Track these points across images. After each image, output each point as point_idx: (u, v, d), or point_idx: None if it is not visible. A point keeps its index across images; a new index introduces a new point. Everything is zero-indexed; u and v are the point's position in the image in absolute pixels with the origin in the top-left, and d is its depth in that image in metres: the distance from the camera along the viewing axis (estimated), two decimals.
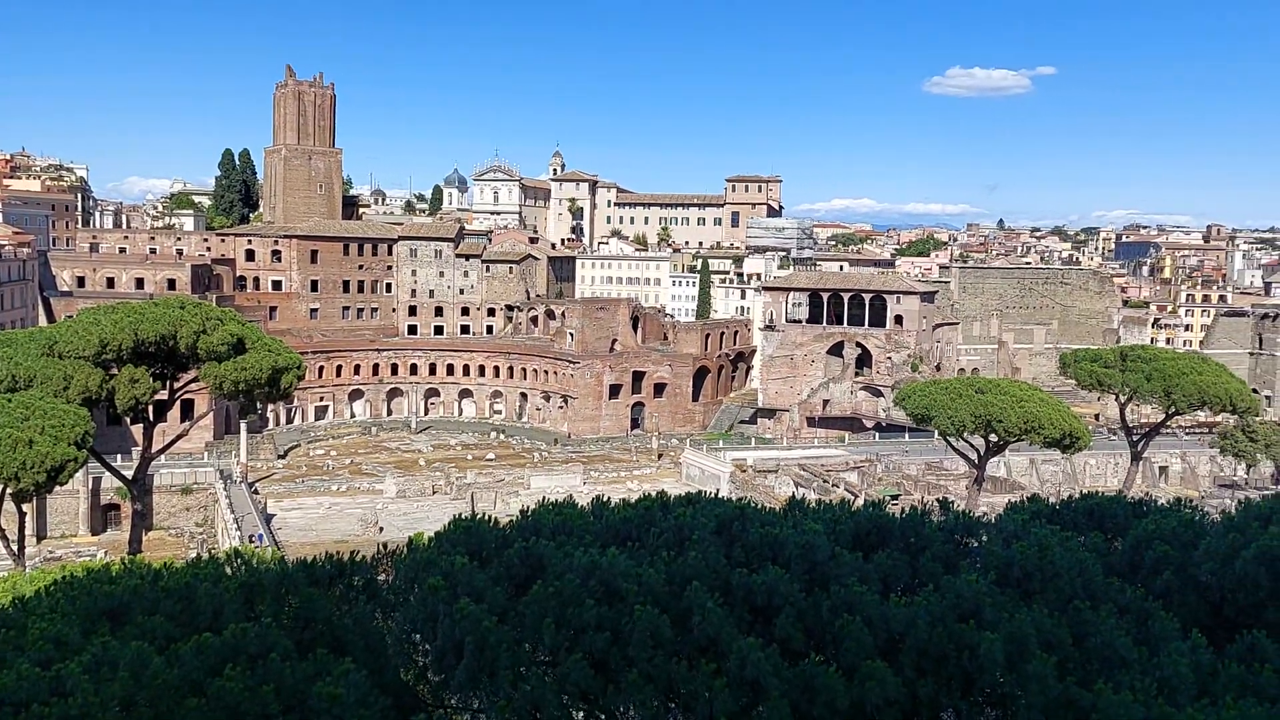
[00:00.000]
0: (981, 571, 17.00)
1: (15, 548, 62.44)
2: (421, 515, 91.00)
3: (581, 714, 14.67)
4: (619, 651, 14.41)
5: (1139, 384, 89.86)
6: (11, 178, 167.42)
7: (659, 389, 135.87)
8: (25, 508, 64.82)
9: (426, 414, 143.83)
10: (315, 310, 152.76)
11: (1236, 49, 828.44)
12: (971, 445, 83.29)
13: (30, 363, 62.11)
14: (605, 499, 22.17)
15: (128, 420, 73.52)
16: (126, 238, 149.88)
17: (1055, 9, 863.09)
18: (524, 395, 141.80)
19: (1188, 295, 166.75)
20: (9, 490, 54.07)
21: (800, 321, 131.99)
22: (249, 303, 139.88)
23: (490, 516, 20.60)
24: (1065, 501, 23.99)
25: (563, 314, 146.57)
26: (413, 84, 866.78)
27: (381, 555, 20.63)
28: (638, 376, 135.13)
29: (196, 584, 17.62)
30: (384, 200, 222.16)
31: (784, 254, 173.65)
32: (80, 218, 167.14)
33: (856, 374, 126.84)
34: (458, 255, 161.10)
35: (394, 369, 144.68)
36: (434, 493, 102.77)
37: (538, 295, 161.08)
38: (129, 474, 75.03)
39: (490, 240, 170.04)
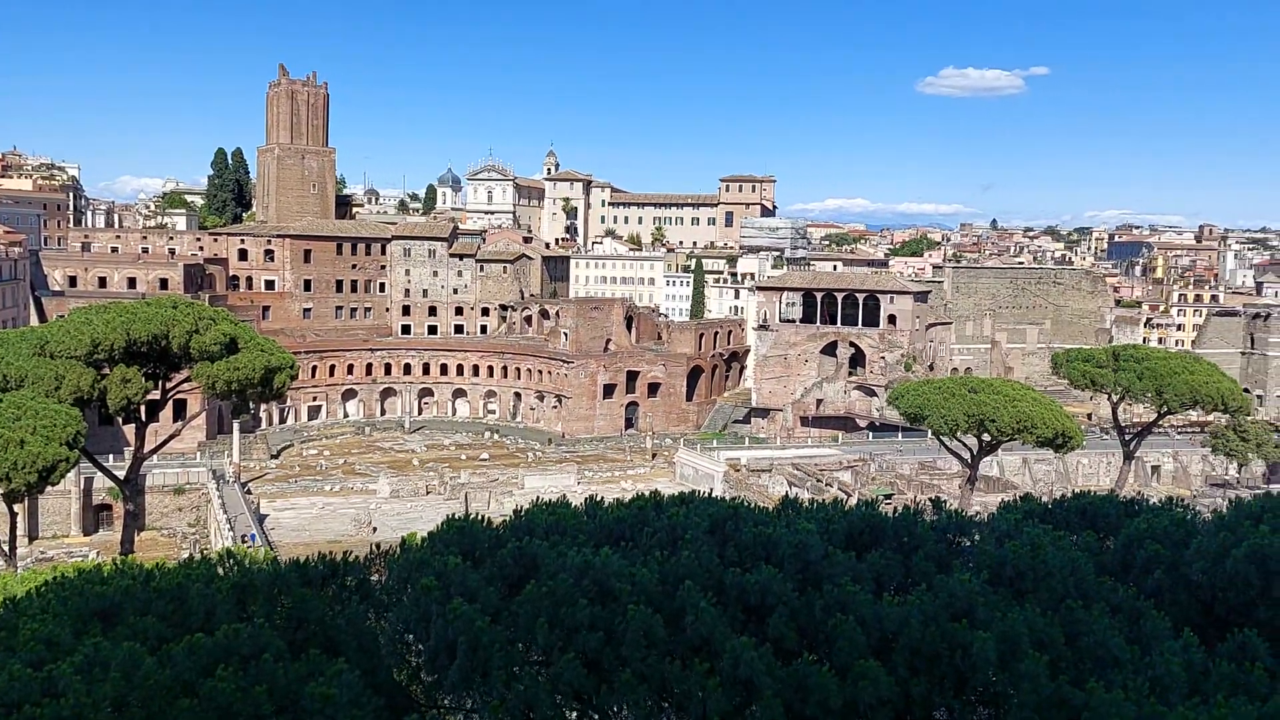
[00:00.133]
0: (974, 571, 17.05)
1: (6, 548, 62.20)
2: (415, 515, 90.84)
3: (575, 714, 14.67)
4: (612, 651, 14.41)
5: (1131, 383, 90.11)
6: (3, 177, 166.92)
7: (653, 389, 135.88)
8: (16, 508, 64.62)
9: (420, 414, 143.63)
10: (308, 310, 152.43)
11: (1229, 50, 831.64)
12: (965, 445, 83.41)
13: (22, 362, 61.90)
14: (599, 499, 22.18)
15: (120, 420, 73.39)
16: (119, 237, 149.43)
17: (1049, 9, 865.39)
18: (518, 395, 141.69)
19: (1180, 295, 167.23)
20: (0, 491, 53.87)
21: (794, 321, 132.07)
22: (242, 302, 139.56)
23: (484, 516, 20.59)
24: (1058, 501, 24.06)
25: (557, 314, 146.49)
26: (407, 83, 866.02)
27: (374, 555, 20.63)
28: (632, 376, 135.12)
29: (189, 584, 17.59)
30: (378, 200, 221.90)
31: (778, 254, 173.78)
32: (72, 217, 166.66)
33: (850, 374, 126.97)
34: (451, 255, 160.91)
35: (387, 369, 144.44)
36: (428, 493, 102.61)
37: (532, 295, 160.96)
38: (121, 474, 74.80)
39: (484, 240, 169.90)
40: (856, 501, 22.95)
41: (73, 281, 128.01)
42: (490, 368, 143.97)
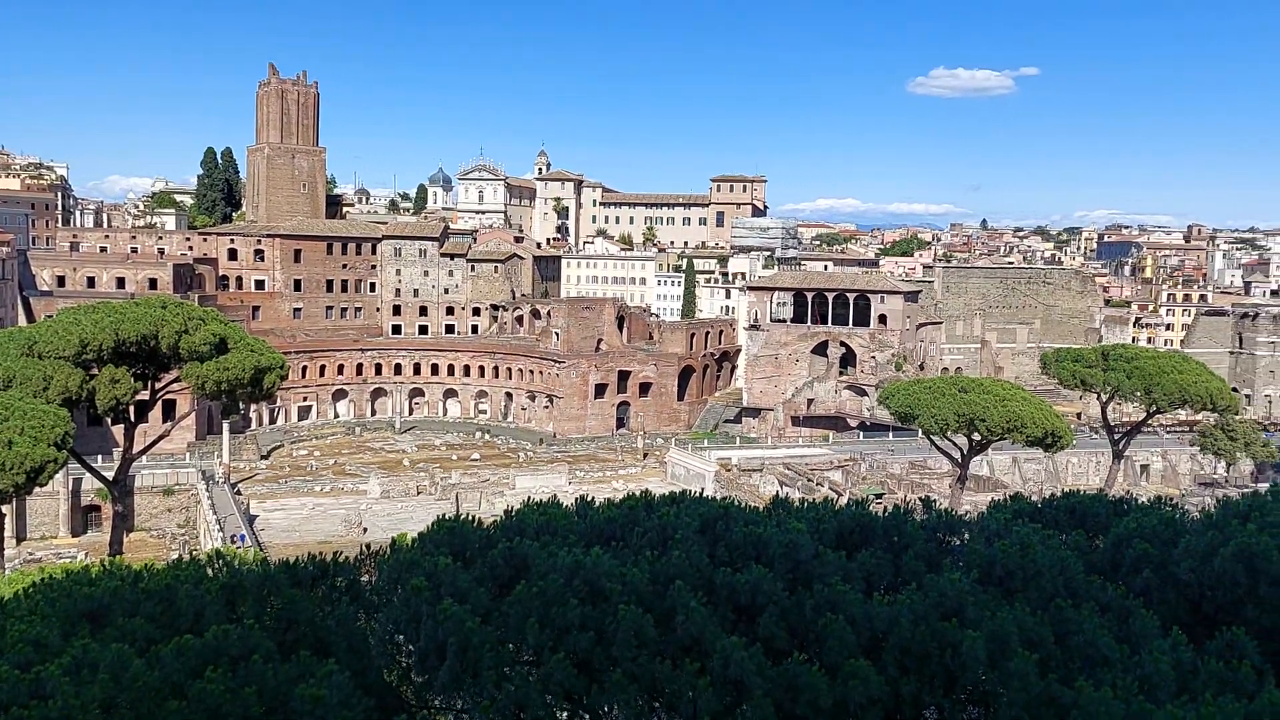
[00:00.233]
0: (964, 570, 17.08)
1: None
2: (406, 516, 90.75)
3: (565, 714, 14.66)
4: (603, 651, 14.41)
5: (1120, 383, 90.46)
6: None
7: (644, 388, 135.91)
8: (4, 509, 64.30)
9: (411, 414, 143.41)
10: (298, 310, 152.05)
11: (1219, 51, 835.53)
12: (955, 444, 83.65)
13: (9, 363, 61.59)
14: (590, 499, 22.17)
15: (108, 421, 73.04)
16: (107, 237, 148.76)
17: (1039, 10, 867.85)
18: (509, 395, 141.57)
19: (1169, 295, 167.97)
20: None
21: (785, 321, 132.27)
22: (232, 302, 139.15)
23: (474, 517, 20.56)
24: (1047, 500, 24.13)
25: (548, 313, 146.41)
26: (397, 83, 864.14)
27: (365, 556, 20.57)
28: (623, 376, 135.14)
29: (177, 585, 17.52)
30: (368, 199, 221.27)
31: (769, 254, 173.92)
32: (60, 216, 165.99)
33: (841, 373, 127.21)
34: (442, 254, 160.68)
35: (378, 369, 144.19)
36: (418, 493, 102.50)
37: (523, 295, 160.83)
38: (110, 475, 74.47)
39: (475, 239, 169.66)
40: (847, 501, 23.05)
41: (61, 281, 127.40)
42: (481, 368, 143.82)
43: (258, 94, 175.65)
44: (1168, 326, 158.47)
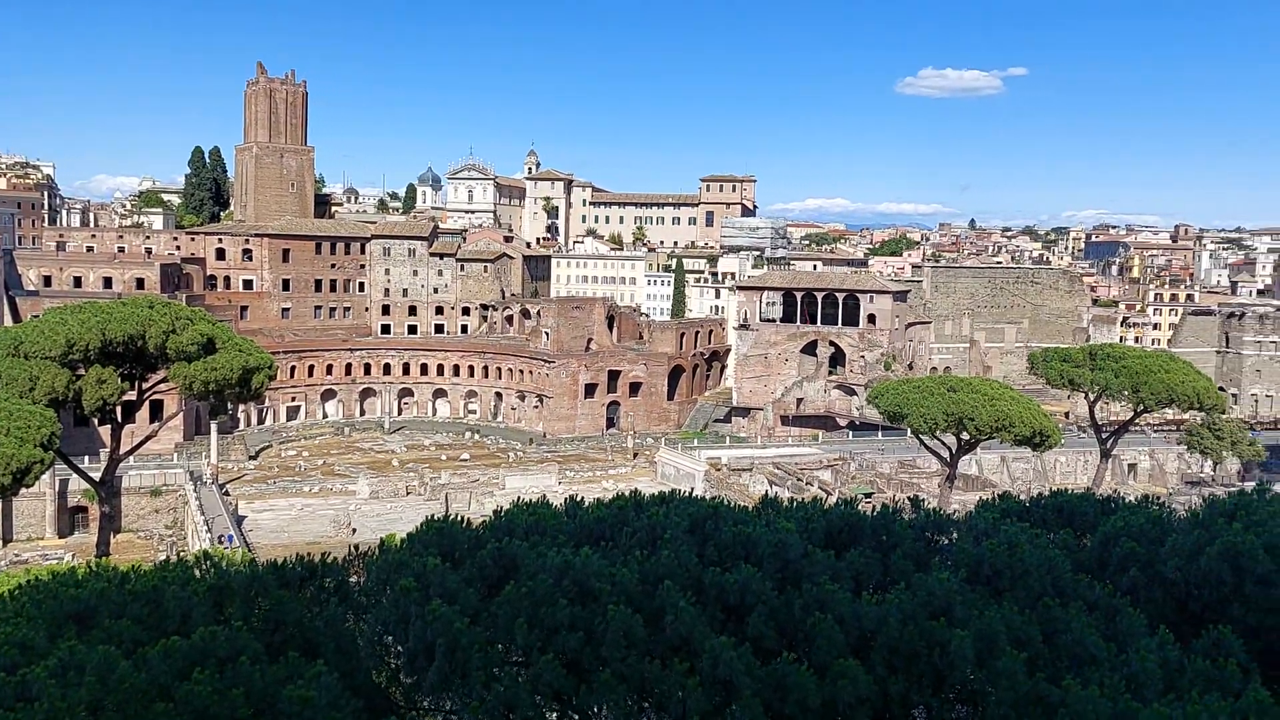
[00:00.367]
0: (952, 569, 17.14)
1: None
2: (395, 516, 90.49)
3: (555, 714, 14.65)
4: (592, 651, 14.41)
5: (1108, 382, 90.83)
6: None
7: (634, 388, 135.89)
8: None
9: (400, 414, 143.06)
10: (287, 310, 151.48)
11: (1205, 52, 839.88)
12: (944, 443, 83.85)
13: None
14: (580, 499, 22.16)
15: (95, 421, 72.67)
16: (94, 236, 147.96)
17: (1027, 11, 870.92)
18: (499, 395, 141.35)
19: (1156, 294, 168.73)
20: None
21: (774, 321, 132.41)
22: (219, 302, 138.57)
23: (464, 517, 20.54)
24: (1035, 499, 24.23)
25: (538, 313, 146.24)
26: (386, 82, 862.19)
27: (353, 557, 20.53)
28: (613, 376, 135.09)
29: (164, 587, 17.45)
30: (357, 199, 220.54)
31: (758, 253, 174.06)
32: (46, 216, 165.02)
33: (830, 373, 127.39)
34: (432, 254, 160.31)
35: (367, 369, 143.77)
36: (407, 493, 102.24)
37: (513, 294, 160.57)
38: (97, 476, 74.14)
39: (465, 239, 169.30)
40: (836, 500, 23.05)
41: (47, 281, 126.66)
42: (471, 367, 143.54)
43: (246, 93, 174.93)
44: (1155, 326, 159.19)
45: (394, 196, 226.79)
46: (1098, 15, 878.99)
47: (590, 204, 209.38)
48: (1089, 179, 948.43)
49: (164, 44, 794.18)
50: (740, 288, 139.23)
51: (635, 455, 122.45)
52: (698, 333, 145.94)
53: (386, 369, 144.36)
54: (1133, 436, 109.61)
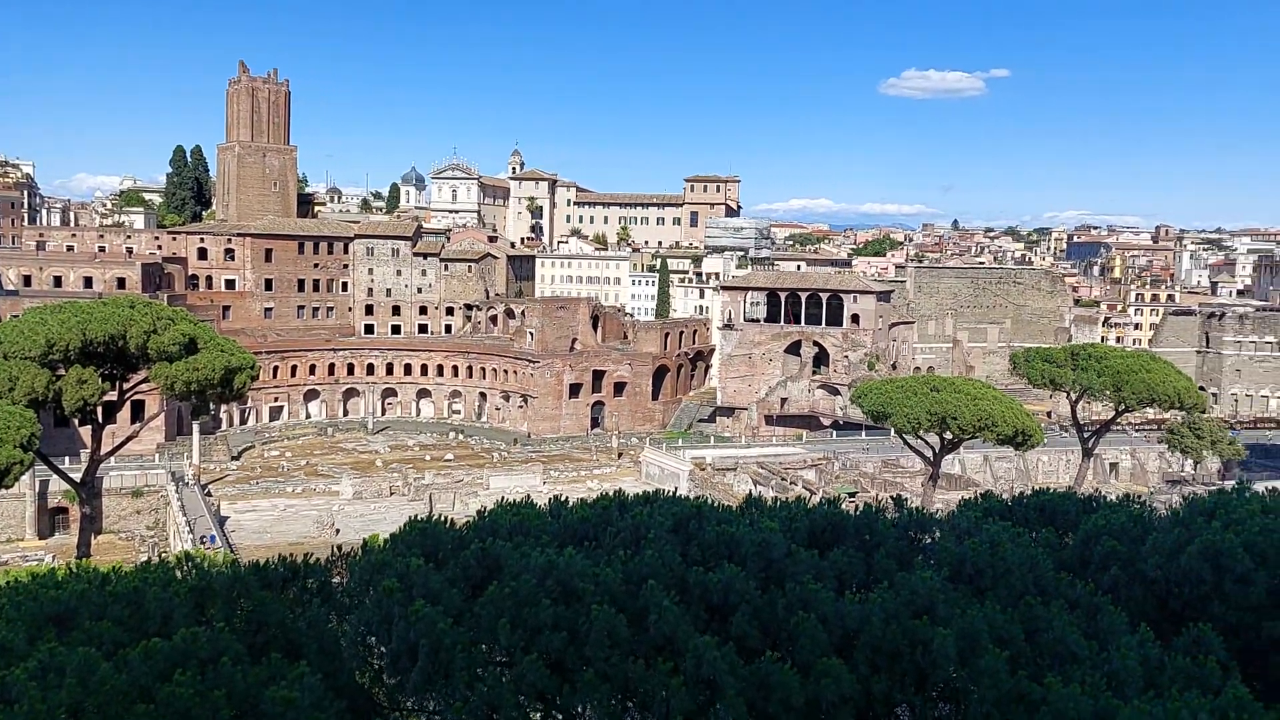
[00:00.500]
0: (935, 568, 17.21)
1: None
2: (378, 517, 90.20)
3: (538, 715, 14.64)
4: (576, 651, 14.39)
5: (1090, 382, 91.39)
6: None
7: (619, 388, 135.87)
8: None
9: (384, 414, 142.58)
10: (270, 309, 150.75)
11: (1186, 55, 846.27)
12: (927, 443, 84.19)
13: None
14: (564, 499, 22.14)
15: (76, 422, 72.15)
16: (74, 236, 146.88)
17: (1009, 12, 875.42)
18: (483, 395, 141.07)
19: (1137, 295, 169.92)
20: None
21: (758, 321, 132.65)
22: (202, 302, 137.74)
23: (447, 517, 20.49)
24: (1017, 498, 24.35)
25: (522, 313, 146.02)
26: (370, 81, 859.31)
27: (336, 557, 20.45)
28: (598, 375, 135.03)
29: (145, 588, 17.33)
30: (340, 198, 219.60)
31: (742, 254, 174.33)
32: (26, 215, 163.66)
33: (814, 372, 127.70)
34: (415, 254, 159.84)
35: (350, 369, 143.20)
36: (391, 494, 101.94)
37: (497, 294, 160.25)
38: (77, 477, 73.58)
39: (449, 239, 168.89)
40: (820, 500, 23.11)
41: (27, 281, 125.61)
42: (455, 368, 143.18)
43: (228, 92, 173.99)
44: (1136, 326, 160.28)
45: (377, 196, 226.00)
46: (1080, 18, 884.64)
47: (575, 204, 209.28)
48: (1071, 180, 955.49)
49: (145, 42, 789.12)
50: (724, 288, 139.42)
51: (620, 455, 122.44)
52: (682, 333, 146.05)
53: (370, 369, 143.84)
54: (1114, 436, 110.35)
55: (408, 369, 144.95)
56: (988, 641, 13.89)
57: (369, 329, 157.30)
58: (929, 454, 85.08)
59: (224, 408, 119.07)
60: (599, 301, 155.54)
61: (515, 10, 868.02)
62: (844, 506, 21.55)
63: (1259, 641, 17.77)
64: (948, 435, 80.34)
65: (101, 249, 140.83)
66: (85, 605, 16.80)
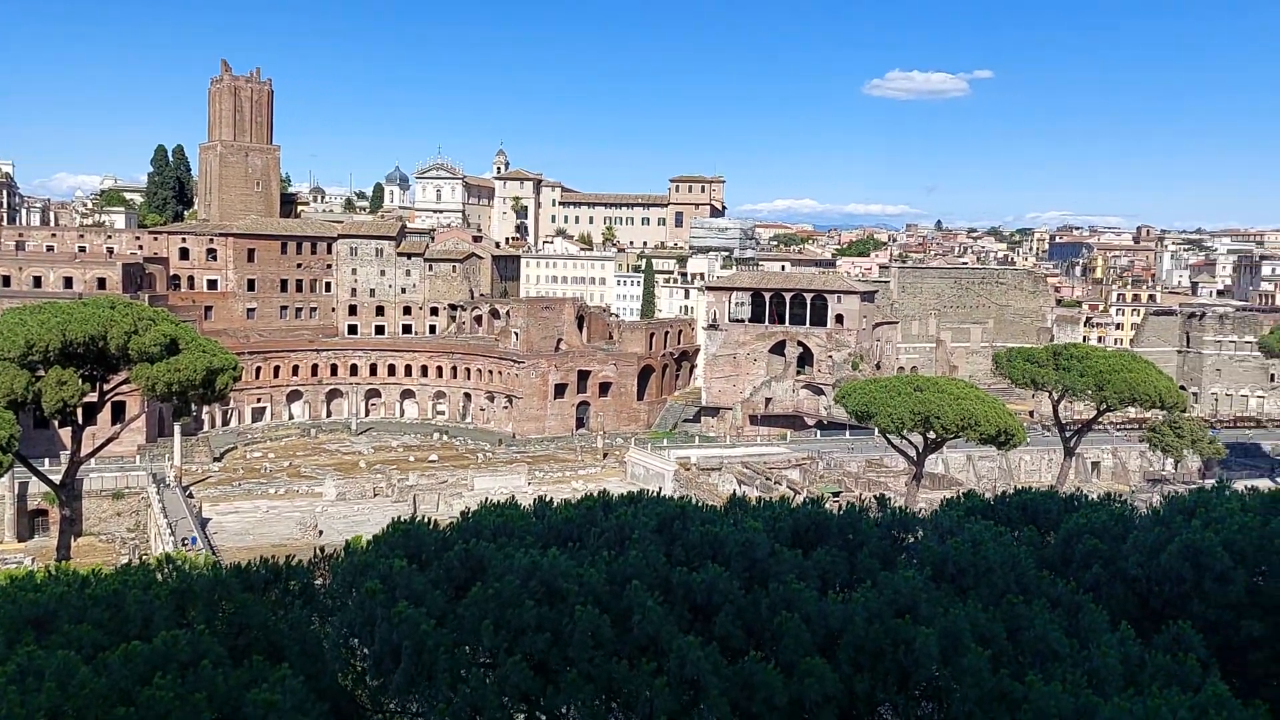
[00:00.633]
0: (917, 567, 17.27)
1: None
2: (362, 518, 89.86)
3: (522, 716, 14.61)
4: (559, 652, 14.38)
5: (1071, 381, 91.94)
6: None
7: (604, 388, 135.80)
8: None
9: (367, 415, 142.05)
10: (252, 310, 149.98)
11: (1167, 57, 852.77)
12: (910, 442, 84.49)
13: None
14: (548, 499, 22.12)
15: (55, 423, 71.62)
16: (54, 235, 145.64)
17: (992, 14, 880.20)
18: (468, 395, 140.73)
19: (1118, 295, 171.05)
20: None
21: (743, 321, 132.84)
22: (183, 302, 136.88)
23: (431, 519, 20.43)
24: (1000, 497, 24.47)
25: (507, 313, 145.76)
26: (353, 80, 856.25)
27: (319, 559, 20.38)
28: (583, 376, 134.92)
29: (126, 591, 17.21)
30: (323, 198, 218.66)
31: (727, 254, 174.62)
32: (5, 215, 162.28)
33: (798, 372, 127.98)
34: (399, 254, 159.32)
35: (333, 369, 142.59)
36: (375, 495, 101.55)
37: (482, 294, 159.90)
38: (57, 478, 73.07)
39: (433, 239, 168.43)
40: (803, 499, 23.18)
41: (6, 281, 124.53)
42: (439, 368, 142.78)
43: (210, 91, 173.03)
44: (1117, 326, 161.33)
45: (361, 196, 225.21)
46: (1062, 19, 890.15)
47: (559, 204, 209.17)
48: (1053, 180, 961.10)
49: (127, 40, 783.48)
50: (709, 288, 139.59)
51: (605, 455, 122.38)
52: (667, 333, 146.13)
53: (353, 370, 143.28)
54: (1096, 435, 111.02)
55: (391, 369, 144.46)
56: (970, 640, 13.95)
57: (352, 329, 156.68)
58: (912, 453, 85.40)
59: (206, 409, 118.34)
60: (584, 302, 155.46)
61: (501, 9, 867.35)
62: (828, 506, 21.61)
63: (1238, 639, 17.93)
64: (931, 435, 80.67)
65: (82, 249, 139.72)
66: (64, 608, 16.67)
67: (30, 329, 60.98)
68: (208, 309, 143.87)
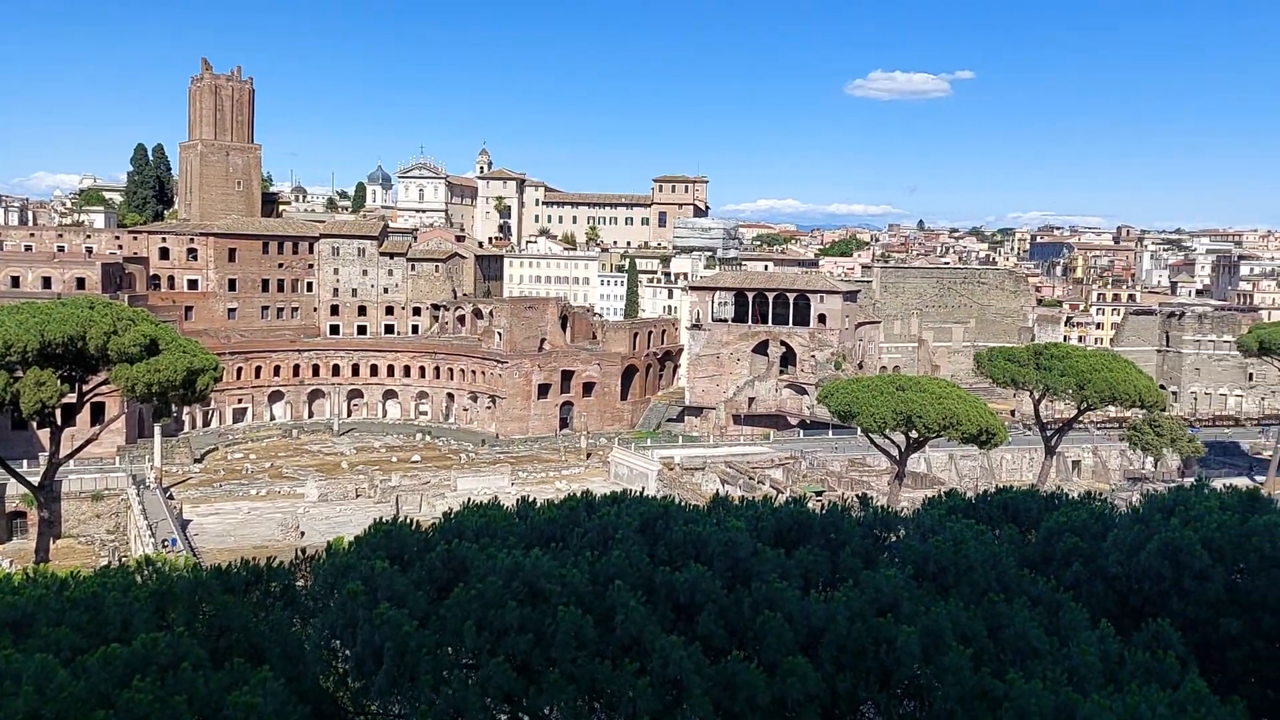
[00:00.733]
0: (899, 566, 17.33)
1: None
2: (344, 519, 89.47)
3: (505, 717, 14.59)
4: (542, 653, 14.36)
5: (1052, 381, 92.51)
6: None
7: (588, 388, 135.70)
8: None
9: (349, 416, 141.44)
10: (233, 310, 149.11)
11: (1146, 58, 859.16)
12: (893, 441, 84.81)
13: None
14: (531, 500, 22.08)
15: (34, 424, 70.99)
16: (32, 235, 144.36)
17: (974, 15, 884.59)
18: (451, 396, 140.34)
19: (1099, 294, 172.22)
20: None
21: (726, 321, 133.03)
22: (163, 302, 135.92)
23: (413, 520, 20.36)
24: (981, 496, 24.59)
25: (490, 313, 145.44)
26: (335, 79, 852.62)
27: (300, 560, 20.28)
28: (566, 376, 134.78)
29: (105, 593, 17.08)
30: (305, 197, 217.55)
31: (710, 254, 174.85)
32: None
33: (781, 372, 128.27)
34: (382, 254, 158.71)
35: (315, 370, 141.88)
36: (357, 496, 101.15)
37: (464, 294, 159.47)
38: (35, 480, 72.40)
39: (416, 238, 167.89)
40: (786, 499, 23.23)
41: None
42: (422, 368, 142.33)
43: (190, 89, 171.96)
44: (1098, 325, 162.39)
45: (343, 195, 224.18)
46: (1044, 21, 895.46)
47: (543, 204, 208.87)
48: (1034, 181, 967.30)
49: (107, 38, 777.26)
50: (693, 288, 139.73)
51: (589, 455, 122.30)
52: (651, 333, 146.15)
53: (335, 370, 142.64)
54: (1076, 434, 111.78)
55: (374, 370, 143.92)
56: (951, 639, 14.01)
57: (334, 329, 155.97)
58: (895, 453, 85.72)
59: (186, 410, 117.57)
60: (568, 301, 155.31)
61: (484, 9, 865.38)
62: (810, 505, 21.66)
63: (1217, 636, 18.08)
64: (913, 434, 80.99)
65: (60, 249, 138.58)
66: (43, 611, 16.53)
67: (8, 329, 60.40)
68: (188, 309, 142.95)
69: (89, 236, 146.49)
